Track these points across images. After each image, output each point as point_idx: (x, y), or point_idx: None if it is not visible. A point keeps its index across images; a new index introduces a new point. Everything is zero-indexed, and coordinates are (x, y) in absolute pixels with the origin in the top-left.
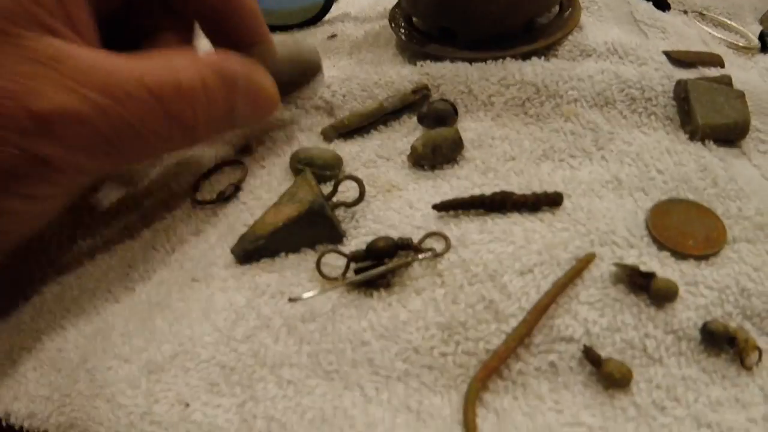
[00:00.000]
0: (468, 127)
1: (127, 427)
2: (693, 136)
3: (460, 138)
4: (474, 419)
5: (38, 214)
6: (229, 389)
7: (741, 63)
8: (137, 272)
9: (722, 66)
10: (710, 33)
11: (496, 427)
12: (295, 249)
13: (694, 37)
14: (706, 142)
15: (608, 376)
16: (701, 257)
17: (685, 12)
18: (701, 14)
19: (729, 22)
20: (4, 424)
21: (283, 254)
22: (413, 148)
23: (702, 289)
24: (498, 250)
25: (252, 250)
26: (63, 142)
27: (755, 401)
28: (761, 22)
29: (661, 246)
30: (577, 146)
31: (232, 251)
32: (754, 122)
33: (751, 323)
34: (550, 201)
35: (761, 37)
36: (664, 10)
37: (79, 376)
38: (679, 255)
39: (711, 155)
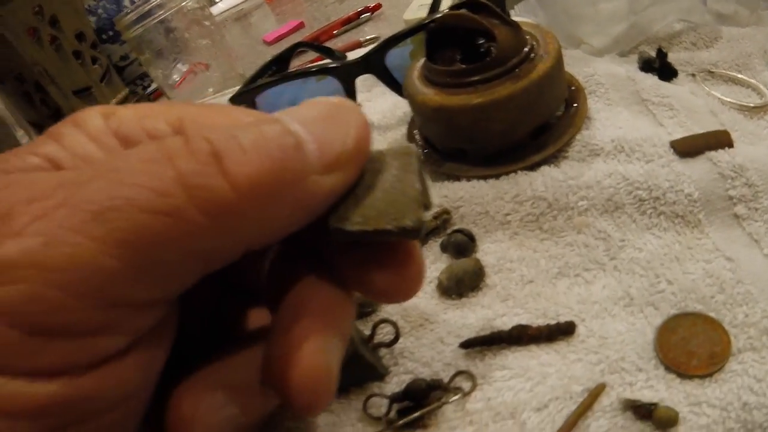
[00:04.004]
0: (488, 250)
1: None
2: None
3: (481, 268)
4: None
5: None
6: None
7: (752, 129)
8: None
9: (731, 146)
10: (719, 98)
11: None
12: (343, 389)
13: (703, 109)
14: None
15: None
16: (705, 376)
17: (693, 75)
18: (710, 72)
19: (739, 76)
20: None
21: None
22: (439, 281)
23: (705, 408)
24: (517, 387)
25: None
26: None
27: None
28: None
29: (668, 368)
30: (590, 259)
31: None
32: (765, 202)
33: None
34: (563, 331)
35: None
36: (670, 79)
37: None
38: (684, 376)
39: (719, 254)
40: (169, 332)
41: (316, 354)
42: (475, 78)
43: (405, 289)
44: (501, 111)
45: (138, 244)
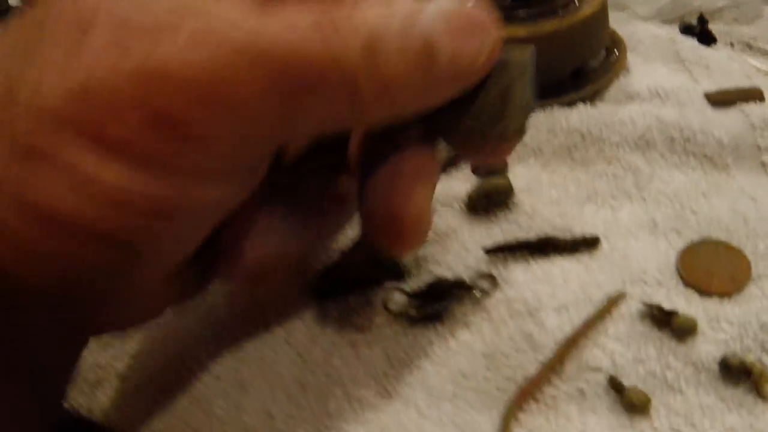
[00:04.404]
0: (519, 174)
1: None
2: None
3: (510, 187)
4: None
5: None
6: (306, 402)
7: None
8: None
9: (762, 100)
10: (755, 66)
11: None
12: (362, 286)
13: (738, 72)
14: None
15: (629, 402)
16: (724, 295)
17: (732, 44)
18: (748, 45)
19: None
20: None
21: (355, 292)
22: (469, 198)
23: (723, 324)
24: (538, 289)
25: (327, 287)
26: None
27: None
28: None
29: (688, 284)
30: (618, 188)
31: (313, 288)
32: None
33: None
34: (588, 244)
35: None
36: (708, 44)
37: (176, 391)
38: (704, 293)
39: (744, 195)
40: (262, 175)
41: (423, 199)
42: (523, 13)
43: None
44: (544, 46)
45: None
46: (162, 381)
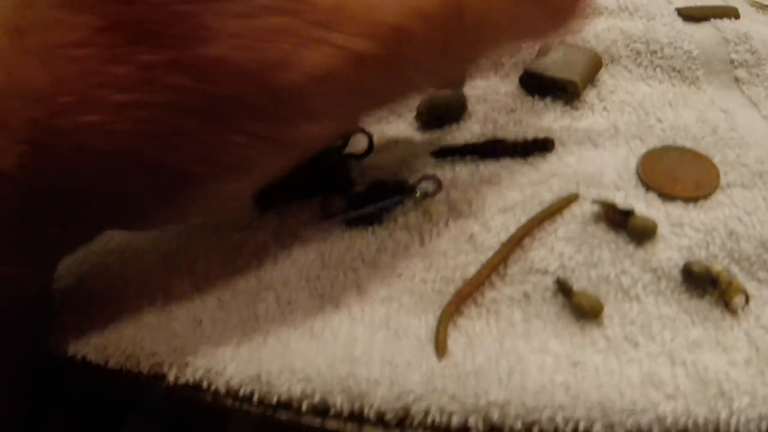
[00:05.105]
0: (477, 85)
1: (150, 343)
2: None
3: (463, 100)
4: (445, 339)
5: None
6: (237, 308)
7: (762, 20)
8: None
9: (737, 17)
10: None
11: (465, 348)
12: (306, 194)
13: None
14: (709, 91)
15: (578, 306)
16: (689, 199)
17: None
18: None
19: None
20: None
21: (295, 199)
22: (419, 112)
23: (687, 230)
24: (484, 191)
25: (269, 195)
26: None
27: (738, 345)
28: None
29: (649, 188)
30: (581, 99)
31: (253, 197)
32: (767, 69)
33: (738, 267)
34: (541, 146)
35: None
36: None
37: (115, 304)
38: (666, 197)
39: (714, 106)
40: None
41: None
42: None
43: None
44: None
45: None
46: (97, 296)
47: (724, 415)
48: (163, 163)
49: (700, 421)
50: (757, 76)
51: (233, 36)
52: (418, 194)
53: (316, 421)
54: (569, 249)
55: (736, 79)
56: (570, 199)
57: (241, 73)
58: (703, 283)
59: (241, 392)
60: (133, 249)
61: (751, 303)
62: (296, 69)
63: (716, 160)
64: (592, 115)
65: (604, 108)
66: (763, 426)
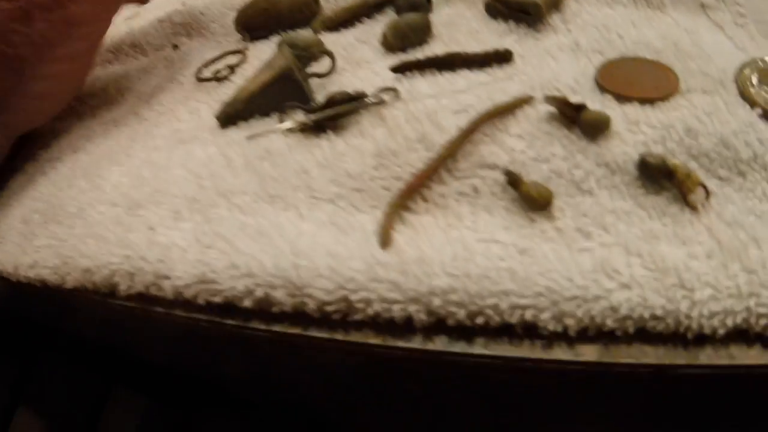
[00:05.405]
0: (443, 13)
1: (107, 255)
2: None
3: (428, 23)
4: (389, 230)
5: (77, 75)
6: (190, 215)
7: None
8: (139, 144)
9: None
10: None
11: (411, 240)
12: (268, 112)
13: None
14: (674, 15)
15: (526, 195)
16: (646, 101)
17: None
18: None
19: None
20: (14, 280)
21: (258, 117)
22: (383, 35)
23: (642, 127)
24: (440, 97)
25: (232, 113)
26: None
27: (699, 239)
28: None
29: (605, 91)
30: (544, 22)
31: (216, 116)
32: None
33: (697, 163)
34: (500, 58)
35: None
36: None
37: (75, 224)
38: (623, 98)
39: (678, 27)
40: None
41: None
42: None
43: None
44: None
45: None
46: (49, 213)
47: (684, 306)
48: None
49: (658, 312)
50: (724, 2)
51: None
52: (374, 101)
53: (262, 326)
54: (521, 144)
55: (702, 5)
56: (524, 99)
57: None
58: (659, 176)
59: (187, 294)
60: (84, 166)
61: (712, 200)
62: None
63: (677, 69)
64: (555, 35)
65: (568, 30)
66: (729, 322)
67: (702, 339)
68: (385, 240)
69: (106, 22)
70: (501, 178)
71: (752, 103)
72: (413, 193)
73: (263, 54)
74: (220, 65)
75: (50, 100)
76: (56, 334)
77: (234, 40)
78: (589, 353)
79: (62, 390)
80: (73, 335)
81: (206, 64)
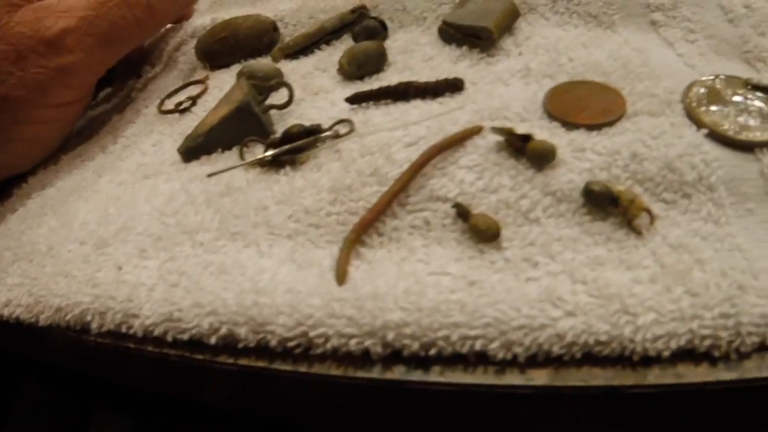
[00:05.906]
0: (399, 39)
1: (77, 294)
2: None
3: (383, 51)
4: (345, 265)
5: (66, 122)
6: (155, 253)
7: None
8: (105, 179)
9: None
10: None
11: (366, 275)
12: (229, 146)
13: None
14: (624, 34)
15: (474, 227)
16: (593, 127)
17: None
18: None
19: None
20: None
21: (219, 151)
22: (340, 64)
23: (588, 154)
24: (394, 131)
25: (193, 147)
26: (73, 50)
27: (644, 263)
28: None
29: (553, 118)
30: (496, 47)
31: (178, 150)
32: (684, 12)
33: (643, 188)
34: (451, 86)
35: None
36: None
37: (45, 262)
38: (570, 125)
39: (628, 46)
40: None
41: None
42: None
43: None
44: None
45: None
46: (20, 251)
47: (627, 331)
48: None
49: (603, 337)
50: (674, 18)
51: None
52: (329, 135)
53: (230, 360)
54: (470, 176)
55: (653, 23)
56: (473, 130)
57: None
58: (603, 202)
59: (156, 332)
60: (53, 203)
61: (657, 223)
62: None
63: (625, 92)
64: (507, 59)
65: (520, 53)
66: (672, 344)
67: (649, 360)
68: (341, 277)
69: (99, 74)
70: (451, 210)
71: (699, 124)
72: (367, 227)
73: (224, 84)
74: (182, 96)
75: (38, 146)
76: (36, 362)
77: (196, 67)
78: (539, 377)
79: (45, 414)
80: (52, 364)
81: (169, 95)
